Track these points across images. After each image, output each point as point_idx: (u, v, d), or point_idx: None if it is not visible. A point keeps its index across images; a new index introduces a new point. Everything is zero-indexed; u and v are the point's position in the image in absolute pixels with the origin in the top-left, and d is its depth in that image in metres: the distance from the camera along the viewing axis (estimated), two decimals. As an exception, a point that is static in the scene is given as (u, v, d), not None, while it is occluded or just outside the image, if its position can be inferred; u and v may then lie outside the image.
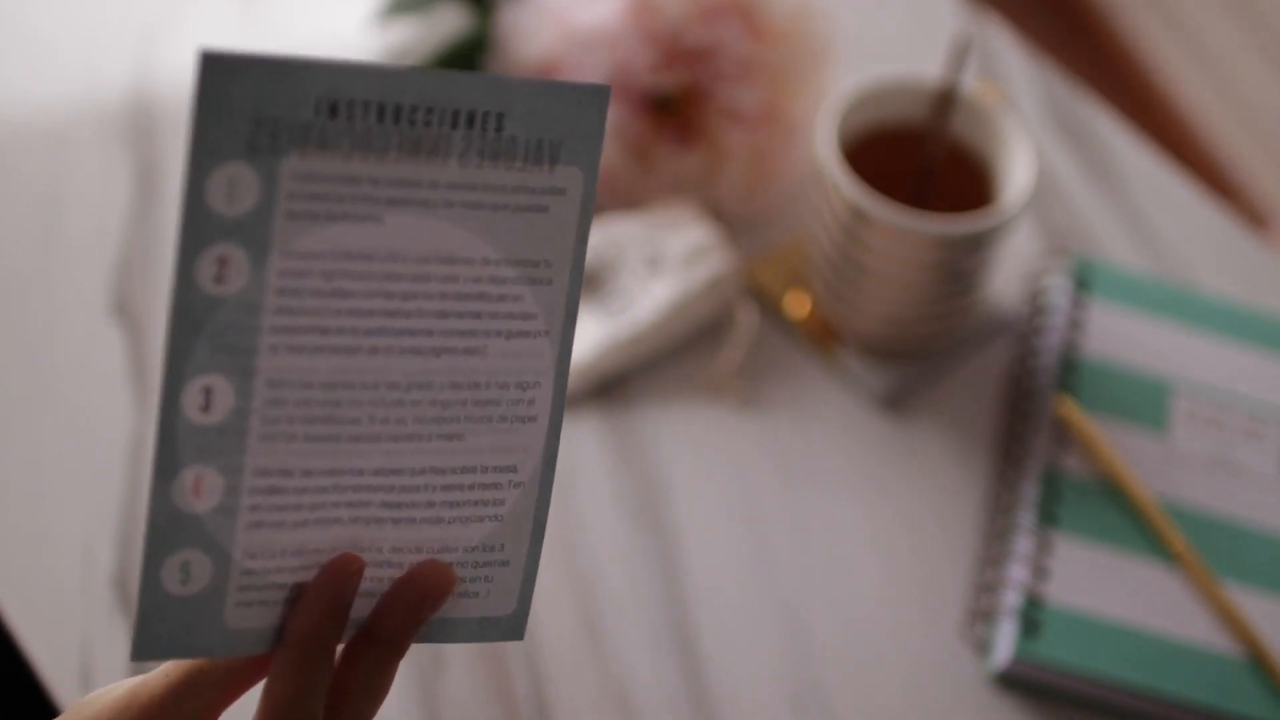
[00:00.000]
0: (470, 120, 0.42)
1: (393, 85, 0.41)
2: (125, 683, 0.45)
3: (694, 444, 0.75)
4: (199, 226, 0.39)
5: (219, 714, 0.45)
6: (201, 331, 0.40)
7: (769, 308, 0.81)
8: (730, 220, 0.83)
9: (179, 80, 0.89)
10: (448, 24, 0.91)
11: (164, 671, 0.44)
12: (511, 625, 0.47)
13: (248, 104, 0.39)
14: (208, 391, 0.41)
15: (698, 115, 0.79)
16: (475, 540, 0.46)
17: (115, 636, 0.67)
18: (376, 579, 0.45)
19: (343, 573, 0.44)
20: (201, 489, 0.42)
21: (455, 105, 0.42)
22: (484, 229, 0.43)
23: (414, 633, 0.45)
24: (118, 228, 0.81)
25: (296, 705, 0.43)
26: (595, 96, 0.44)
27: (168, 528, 0.41)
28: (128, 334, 0.77)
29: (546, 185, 0.44)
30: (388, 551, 0.45)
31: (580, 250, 0.45)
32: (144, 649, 0.42)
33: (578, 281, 0.45)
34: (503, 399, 0.45)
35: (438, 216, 0.43)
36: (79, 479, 0.72)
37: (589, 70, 0.77)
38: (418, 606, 0.45)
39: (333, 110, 0.40)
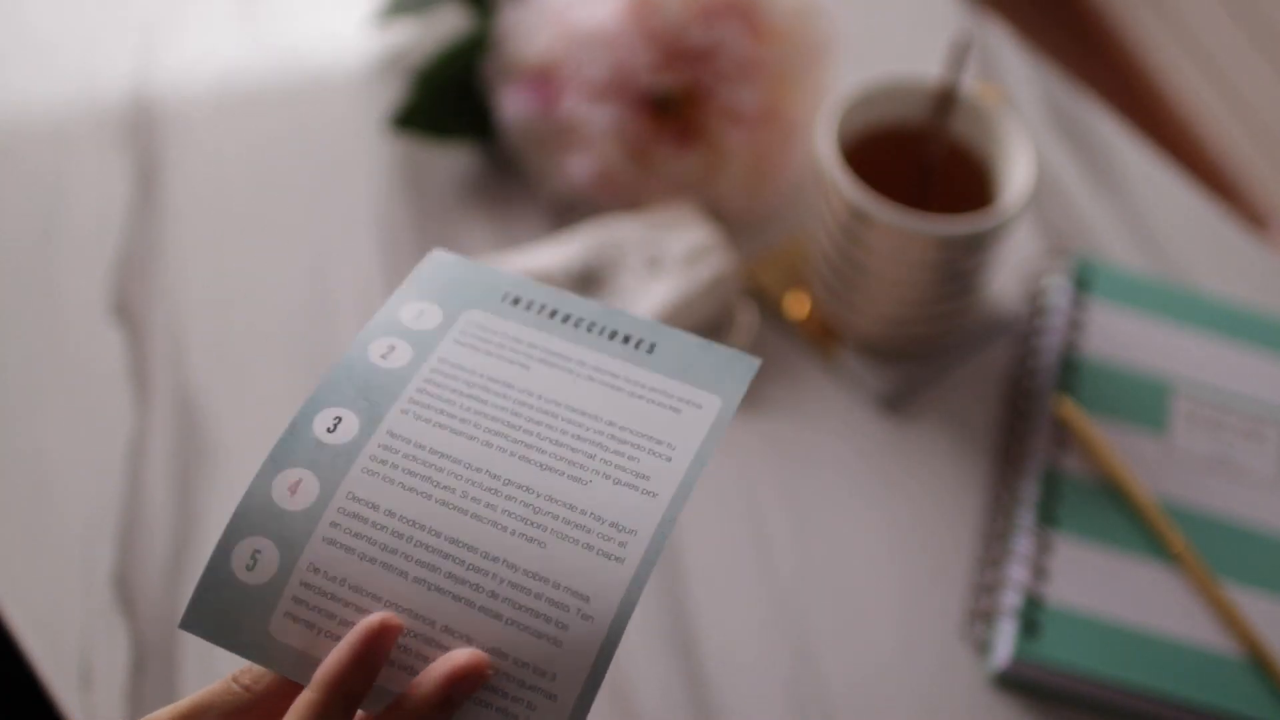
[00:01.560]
0: (626, 339, 0.50)
1: (564, 301, 0.51)
2: None
3: (694, 444, 0.75)
4: (385, 325, 0.50)
5: None
6: (353, 381, 0.49)
7: (769, 308, 0.81)
8: (730, 220, 0.83)
9: (179, 81, 0.89)
10: (448, 24, 0.91)
11: (171, 708, 0.44)
12: None
13: (452, 279, 0.52)
14: (339, 419, 0.48)
15: (698, 115, 0.79)
16: (528, 655, 0.45)
17: (115, 635, 0.67)
18: (421, 657, 0.45)
19: (379, 626, 0.44)
20: (298, 490, 0.46)
21: (615, 326, 0.51)
22: (617, 405, 0.49)
23: (440, 712, 0.44)
24: (118, 228, 0.82)
25: None
26: (746, 366, 0.50)
27: (256, 511, 0.46)
28: (127, 334, 0.77)
29: (684, 396, 0.49)
30: (439, 629, 0.45)
31: (705, 450, 0.48)
32: (193, 620, 0.45)
33: (695, 477, 0.48)
34: (594, 529, 0.46)
35: (576, 381, 0.49)
36: (79, 478, 0.72)
37: (589, 70, 0.77)
38: (445, 681, 0.43)
39: (515, 301, 0.51)
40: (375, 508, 0.46)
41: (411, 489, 0.46)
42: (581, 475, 0.47)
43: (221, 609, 0.45)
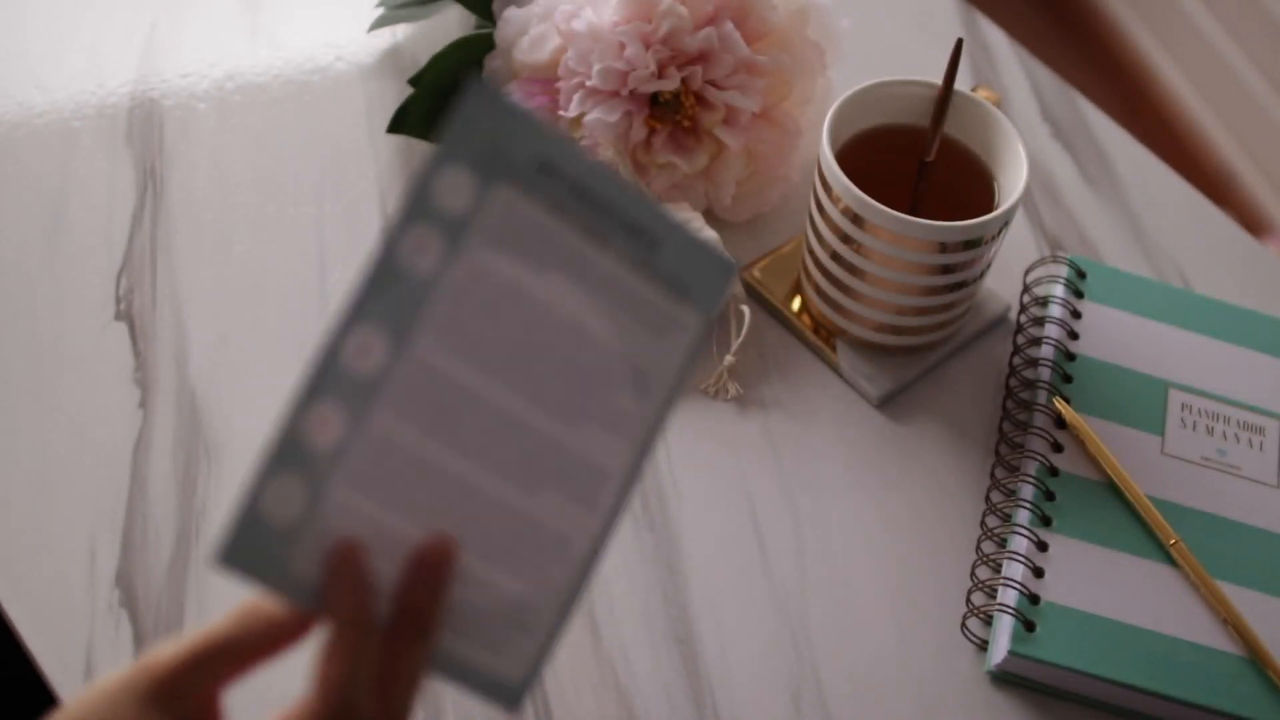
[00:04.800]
0: (633, 230, 0.49)
1: (592, 177, 0.48)
2: (134, 664, 0.45)
3: (693, 443, 0.76)
4: (419, 208, 0.46)
5: (227, 685, 0.46)
6: (384, 296, 0.46)
7: (768, 308, 0.81)
8: (729, 221, 0.84)
9: (183, 81, 0.89)
10: (448, 25, 0.92)
11: (174, 644, 0.45)
12: (510, 693, 0.49)
13: (490, 131, 0.47)
14: (367, 342, 0.46)
15: (697, 117, 0.79)
16: (514, 592, 0.48)
17: (119, 636, 0.67)
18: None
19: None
20: (327, 426, 0.46)
21: (628, 214, 0.49)
22: (617, 323, 0.49)
23: (435, 611, 0.46)
24: (122, 229, 0.82)
25: (351, 684, 0.44)
26: (728, 266, 0.51)
27: (287, 450, 0.45)
28: (132, 336, 0.78)
29: (671, 313, 0.50)
30: None
31: (676, 386, 0.50)
32: (227, 558, 0.45)
33: (666, 411, 0.50)
34: (577, 475, 0.49)
35: (587, 293, 0.49)
36: (83, 480, 0.72)
37: (589, 72, 0.78)
38: (426, 574, 0.46)
39: (546, 169, 0.48)
40: (395, 447, 0.46)
41: (430, 430, 0.47)
42: (575, 415, 0.49)
43: (250, 546, 0.45)
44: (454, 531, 0.47)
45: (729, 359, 0.78)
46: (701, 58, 0.78)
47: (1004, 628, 0.69)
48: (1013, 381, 0.79)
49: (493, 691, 0.48)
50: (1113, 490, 0.73)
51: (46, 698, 0.68)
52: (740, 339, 0.78)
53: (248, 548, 0.45)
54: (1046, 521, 0.72)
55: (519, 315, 0.48)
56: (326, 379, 0.46)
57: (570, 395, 0.48)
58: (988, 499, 0.75)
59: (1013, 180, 0.73)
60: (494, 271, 0.47)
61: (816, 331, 0.80)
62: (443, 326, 0.47)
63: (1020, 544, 0.71)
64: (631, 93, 0.78)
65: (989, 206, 0.74)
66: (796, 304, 0.81)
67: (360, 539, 0.46)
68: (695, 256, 0.50)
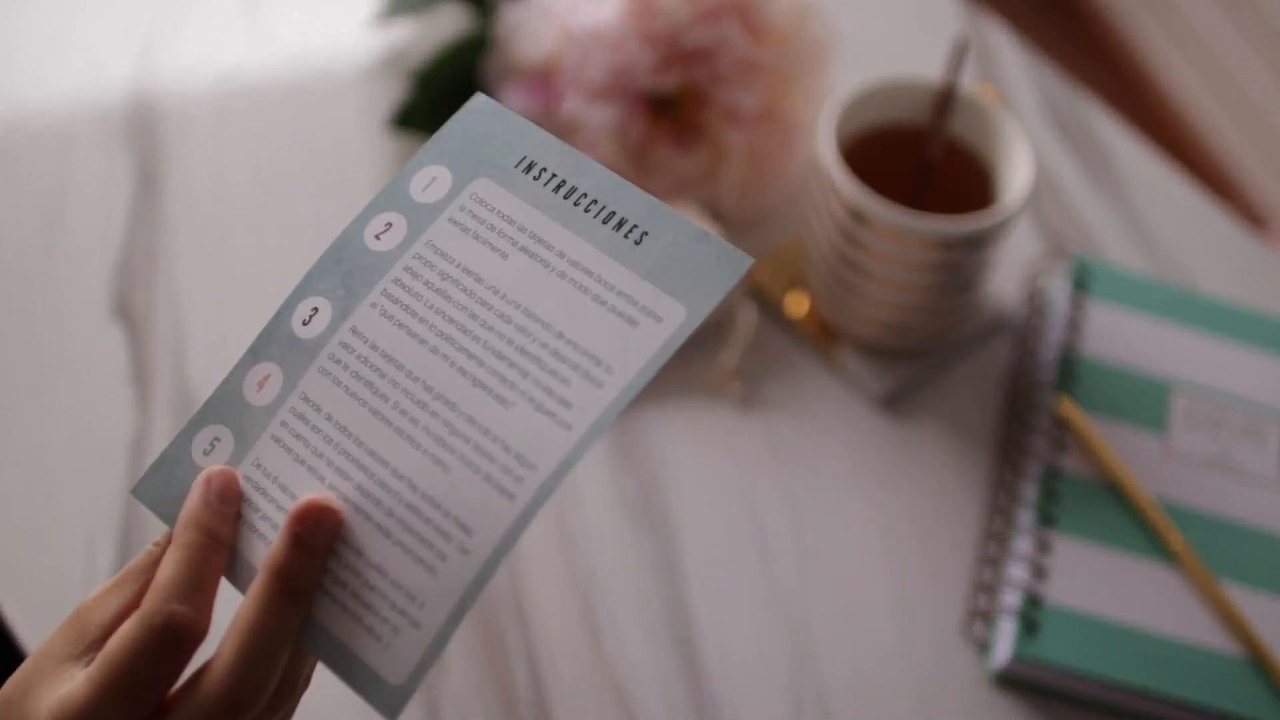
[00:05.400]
0: (621, 223, 0.49)
1: (577, 171, 0.49)
2: None
3: (694, 444, 0.75)
4: (392, 197, 0.50)
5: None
6: (340, 267, 0.49)
7: (769, 308, 0.81)
8: (730, 220, 0.83)
9: (181, 80, 0.89)
10: (448, 24, 0.91)
11: (107, 585, 0.47)
12: (390, 697, 0.45)
13: (480, 138, 0.51)
14: (315, 310, 0.49)
15: (698, 116, 0.79)
16: (404, 579, 0.46)
17: (116, 636, 0.67)
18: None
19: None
20: (266, 385, 0.48)
21: (616, 207, 0.49)
22: (575, 311, 0.48)
23: (306, 574, 0.45)
24: (119, 229, 0.82)
25: (167, 588, 0.44)
26: (732, 268, 0.47)
27: (224, 401, 0.49)
28: (128, 334, 0.77)
29: (648, 305, 0.48)
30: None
31: (641, 379, 0.47)
32: (143, 491, 0.48)
33: (621, 405, 0.47)
34: (498, 459, 0.46)
35: (547, 278, 0.48)
36: (80, 479, 0.72)
37: (589, 70, 0.77)
38: (287, 524, 0.45)
39: (529, 168, 0.50)
40: (318, 410, 0.48)
41: (353, 394, 0.48)
42: (507, 396, 0.47)
43: (172, 486, 0.48)
44: (356, 502, 0.46)
45: (730, 359, 0.77)
46: (702, 56, 0.78)
47: (1007, 629, 0.68)
48: (1016, 381, 0.78)
49: (371, 689, 0.45)
50: (1117, 490, 0.73)
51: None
52: (742, 339, 0.78)
53: (163, 485, 0.48)
54: (1051, 522, 0.71)
55: (469, 295, 0.48)
56: (273, 339, 0.49)
57: (511, 375, 0.47)
58: (992, 499, 0.74)
59: (1017, 179, 0.73)
60: (451, 253, 0.49)
61: (819, 331, 0.79)
62: (386, 298, 0.49)
63: (1023, 544, 0.71)
64: (632, 90, 0.78)
65: (992, 205, 0.74)
66: (798, 304, 0.80)
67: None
68: (695, 249, 0.48)
